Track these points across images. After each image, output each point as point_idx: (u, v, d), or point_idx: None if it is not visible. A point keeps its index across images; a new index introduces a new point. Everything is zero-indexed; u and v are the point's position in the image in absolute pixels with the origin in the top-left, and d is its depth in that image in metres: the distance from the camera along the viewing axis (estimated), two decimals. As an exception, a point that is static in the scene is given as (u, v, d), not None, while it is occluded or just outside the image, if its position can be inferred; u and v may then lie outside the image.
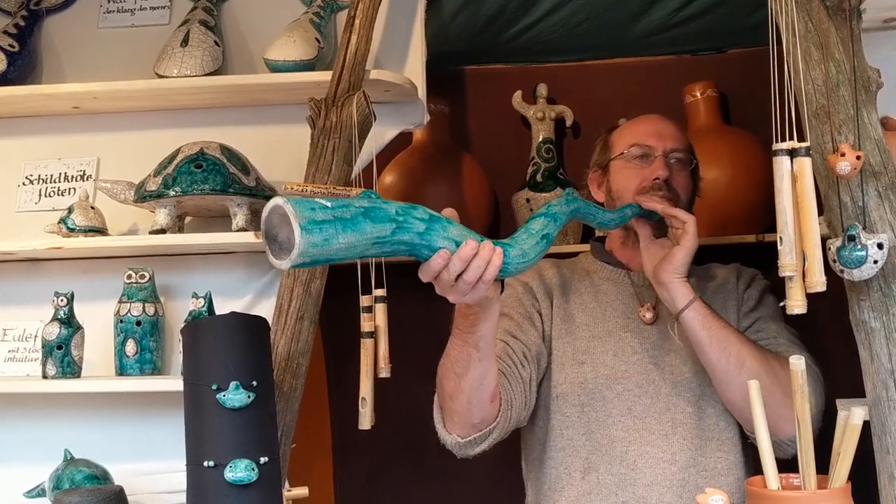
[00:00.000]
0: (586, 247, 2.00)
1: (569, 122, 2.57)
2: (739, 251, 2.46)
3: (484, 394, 1.52)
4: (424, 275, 1.20)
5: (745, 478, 1.60)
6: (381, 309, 1.69)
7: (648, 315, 1.73)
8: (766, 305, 1.78)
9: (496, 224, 2.63)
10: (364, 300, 1.68)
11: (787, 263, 1.17)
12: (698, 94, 2.52)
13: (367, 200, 1.06)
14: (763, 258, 2.47)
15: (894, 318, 1.28)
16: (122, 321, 1.75)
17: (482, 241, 1.21)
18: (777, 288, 1.83)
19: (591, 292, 1.78)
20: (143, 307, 1.75)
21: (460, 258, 1.17)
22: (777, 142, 1.20)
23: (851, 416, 1.28)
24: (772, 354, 1.58)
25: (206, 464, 1.32)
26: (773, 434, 1.34)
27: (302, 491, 1.54)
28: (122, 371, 1.75)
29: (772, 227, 2.41)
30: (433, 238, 1.15)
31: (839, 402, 1.46)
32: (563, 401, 1.69)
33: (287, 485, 1.58)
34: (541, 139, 2.53)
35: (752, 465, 1.66)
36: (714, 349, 1.55)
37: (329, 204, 1.00)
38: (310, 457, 2.31)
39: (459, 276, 1.19)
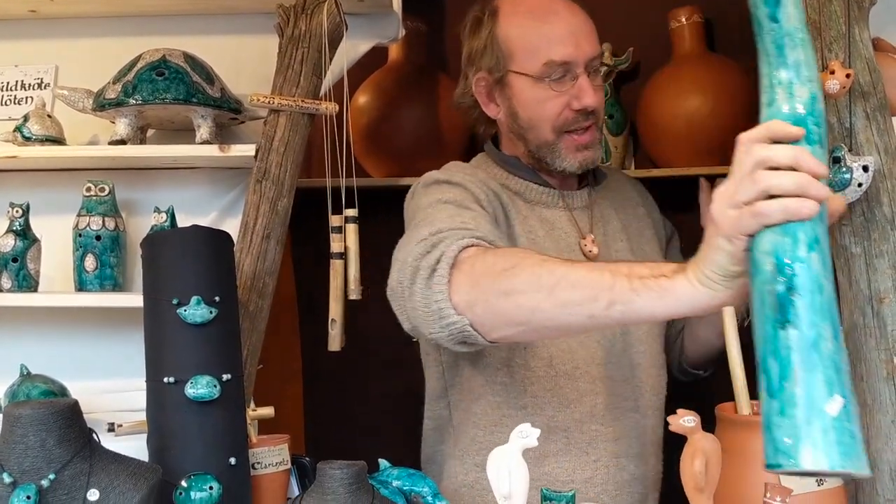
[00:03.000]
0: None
1: (549, 45, 2.50)
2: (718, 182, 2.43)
3: (533, 334, 1.28)
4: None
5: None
6: (352, 229, 1.64)
7: (595, 250, 1.52)
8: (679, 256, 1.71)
9: (472, 149, 2.57)
10: (334, 220, 1.63)
11: (771, 183, 1.12)
12: (683, 20, 2.45)
13: None
14: (742, 189, 2.46)
15: (875, 244, 1.25)
16: (80, 235, 1.69)
17: None
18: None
19: (535, 218, 1.52)
20: (103, 221, 1.69)
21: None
22: (766, 56, 1.15)
23: (827, 343, 1.27)
24: None
25: (166, 380, 1.28)
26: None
27: (268, 411, 1.51)
28: (81, 287, 1.70)
29: (752, 157, 2.40)
30: None
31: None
32: (530, 353, 1.46)
33: (252, 405, 1.55)
34: (520, 62, 2.46)
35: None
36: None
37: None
38: (280, 380, 2.29)
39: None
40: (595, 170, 1.63)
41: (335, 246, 1.62)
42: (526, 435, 1.03)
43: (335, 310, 1.62)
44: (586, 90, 1.46)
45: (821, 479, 1.24)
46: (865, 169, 1.21)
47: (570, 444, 1.47)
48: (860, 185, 1.21)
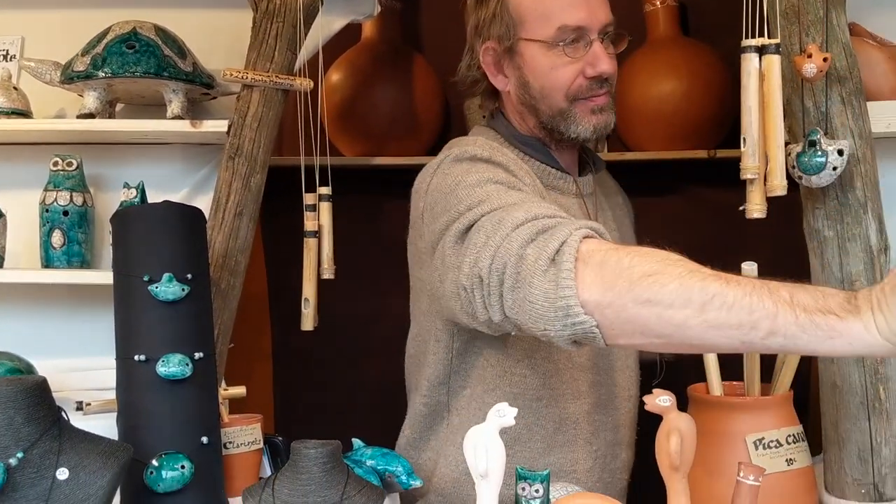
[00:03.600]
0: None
1: (525, 26, 2.48)
2: (690, 166, 2.45)
3: (670, 348, 1.14)
4: None
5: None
6: (325, 208, 1.63)
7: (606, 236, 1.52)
8: None
9: (446, 130, 2.56)
10: (308, 198, 1.61)
11: (750, 165, 1.13)
12: (658, 3, 2.45)
13: None
14: (713, 174, 2.48)
15: (848, 228, 1.27)
16: (47, 210, 1.66)
17: None
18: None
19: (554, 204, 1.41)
20: (71, 196, 1.66)
21: None
22: (747, 38, 1.15)
23: (798, 325, 1.28)
24: None
25: (136, 358, 1.26)
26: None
27: (239, 390, 1.49)
28: (48, 263, 1.66)
29: (724, 143, 2.42)
30: None
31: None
32: (554, 346, 1.37)
33: (223, 384, 1.54)
34: (495, 42, 2.45)
35: None
36: None
37: None
38: (249, 359, 2.27)
39: None
40: (595, 157, 1.61)
41: (309, 224, 1.61)
42: (503, 414, 1.03)
43: (308, 289, 1.61)
44: (601, 56, 1.40)
45: (790, 460, 1.25)
46: (840, 153, 1.22)
47: (577, 436, 1.46)
48: (835, 168, 1.22)
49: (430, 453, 1.50)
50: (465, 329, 1.38)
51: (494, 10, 1.45)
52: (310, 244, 1.61)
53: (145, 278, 1.27)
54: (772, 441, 1.24)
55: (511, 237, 1.13)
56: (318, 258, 1.61)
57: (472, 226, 1.22)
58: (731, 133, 2.41)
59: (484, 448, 1.02)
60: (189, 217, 1.34)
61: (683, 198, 2.51)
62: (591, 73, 1.41)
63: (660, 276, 1.00)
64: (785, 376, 1.31)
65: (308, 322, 1.61)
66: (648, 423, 1.33)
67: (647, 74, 2.39)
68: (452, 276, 1.24)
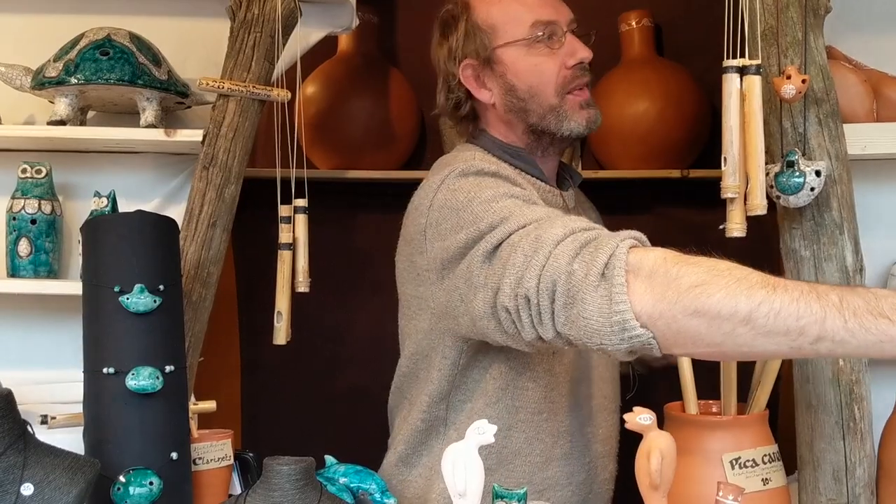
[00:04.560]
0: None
1: (501, 42, 2.49)
2: (663, 186, 2.46)
3: (722, 356, 1.20)
4: None
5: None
6: (301, 220, 1.61)
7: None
8: None
9: (422, 145, 2.56)
10: (283, 210, 1.59)
11: (730, 185, 1.14)
12: (633, 24, 2.48)
13: None
14: (685, 194, 2.50)
15: (824, 248, 1.27)
16: (14, 218, 1.61)
17: None
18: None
19: None
20: (39, 204, 1.61)
21: None
22: (728, 59, 1.16)
23: (774, 344, 1.28)
24: None
25: (105, 370, 1.22)
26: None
27: (209, 405, 1.46)
28: (13, 272, 1.62)
29: (697, 163, 2.44)
30: None
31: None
32: (556, 358, 1.44)
33: (192, 398, 1.50)
34: (471, 58, 2.45)
35: None
36: None
37: None
38: (217, 374, 2.23)
39: None
40: (572, 171, 1.62)
41: (284, 236, 1.58)
42: (482, 432, 1.02)
43: (281, 302, 1.58)
44: (577, 44, 1.46)
45: (766, 479, 1.26)
46: (818, 174, 1.23)
47: (573, 448, 1.47)
48: (812, 189, 1.23)
49: (422, 469, 1.48)
50: (474, 344, 1.38)
51: (465, 29, 1.49)
52: (284, 257, 1.59)
53: (116, 289, 1.24)
54: (748, 460, 1.25)
55: (555, 254, 1.12)
56: (292, 271, 1.59)
57: (501, 244, 1.21)
58: (704, 153, 2.44)
59: (462, 466, 1.01)
60: (162, 227, 1.31)
61: (656, 216, 2.53)
62: (572, 61, 1.45)
63: (706, 286, 1.01)
64: (761, 395, 1.32)
65: (281, 336, 1.59)
66: (628, 435, 1.35)
67: (621, 94, 2.40)
68: (484, 296, 1.22)
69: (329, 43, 2.31)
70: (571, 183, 1.60)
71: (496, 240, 1.21)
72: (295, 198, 1.58)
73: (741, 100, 1.15)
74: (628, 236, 1.13)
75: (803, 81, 1.20)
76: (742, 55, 1.18)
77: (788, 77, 1.20)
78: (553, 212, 1.25)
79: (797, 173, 1.23)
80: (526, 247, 1.16)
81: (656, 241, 2.62)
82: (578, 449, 1.47)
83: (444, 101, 1.55)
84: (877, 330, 0.91)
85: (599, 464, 1.52)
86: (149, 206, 1.70)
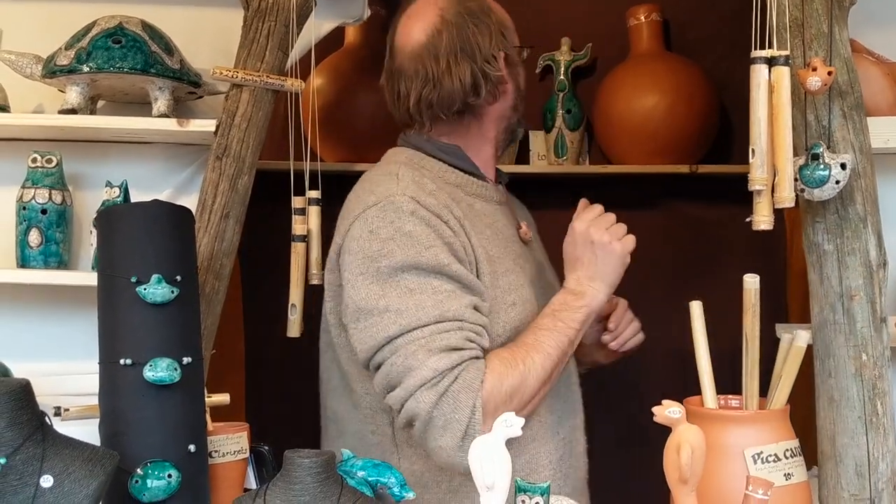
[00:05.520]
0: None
1: (509, 38, 2.48)
2: (671, 181, 2.45)
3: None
4: None
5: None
6: (314, 212, 1.60)
7: (529, 233, 1.60)
8: None
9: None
10: (297, 201, 1.58)
11: (758, 177, 1.13)
12: (642, 18, 2.47)
13: None
14: (694, 189, 2.49)
15: (848, 242, 1.27)
16: (25, 208, 1.59)
17: None
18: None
19: (481, 217, 1.51)
20: (50, 194, 1.60)
21: None
22: (756, 49, 1.15)
23: (796, 339, 1.28)
24: None
25: (122, 361, 1.21)
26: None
27: (223, 398, 1.45)
28: (23, 263, 1.60)
29: (706, 158, 2.43)
30: None
31: (778, 327, 1.45)
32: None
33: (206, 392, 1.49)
34: (479, 54, 2.43)
35: None
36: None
37: None
38: (222, 368, 2.21)
39: None
40: (498, 170, 1.67)
41: (298, 228, 1.57)
42: (510, 424, 1.01)
43: (295, 294, 1.57)
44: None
45: (788, 474, 1.25)
46: (843, 167, 1.22)
47: (545, 427, 1.50)
48: (838, 181, 1.22)
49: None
50: None
51: (495, 21, 1.54)
52: (297, 248, 1.58)
53: (133, 279, 1.23)
54: (770, 455, 1.23)
55: (417, 396, 1.32)
56: (306, 262, 1.58)
57: (388, 343, 1.35)
58: (713, 148, 2.43)
59: (490, 459, 1.00)
60: (179, 217, 1.30)
61: (665, 212, 2.52)
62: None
63: (522, 386, 1.36)
64: (782, 390, 1.31)
65: (295, 329, 1.58)
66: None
67: (630, 88, 2.40)
68: (363, 359, 1.42)
69: (335, 35, 2.29)
70: (502, 179, 1.67)
71: (385, 334, 1.35)
72: (310, 188, 1.57)
73: (769, 91, 1.14)
74: (472, 356, 1.34)
75: (829, 73, 1.19)
76: (763, 47, 1.17)
77: (814, 69, 1.19)
78: (443, 308, 1.35)
79: (822, 166, 1.22)
80: (399, 367, 1.34)
81: (665, 235, 2.61)
82: (552, 427, 1.50)
83: (459, 85, 1.50)
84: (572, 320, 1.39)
85: (574, 437, 1.56)
86: (160, 197, 1.65)
